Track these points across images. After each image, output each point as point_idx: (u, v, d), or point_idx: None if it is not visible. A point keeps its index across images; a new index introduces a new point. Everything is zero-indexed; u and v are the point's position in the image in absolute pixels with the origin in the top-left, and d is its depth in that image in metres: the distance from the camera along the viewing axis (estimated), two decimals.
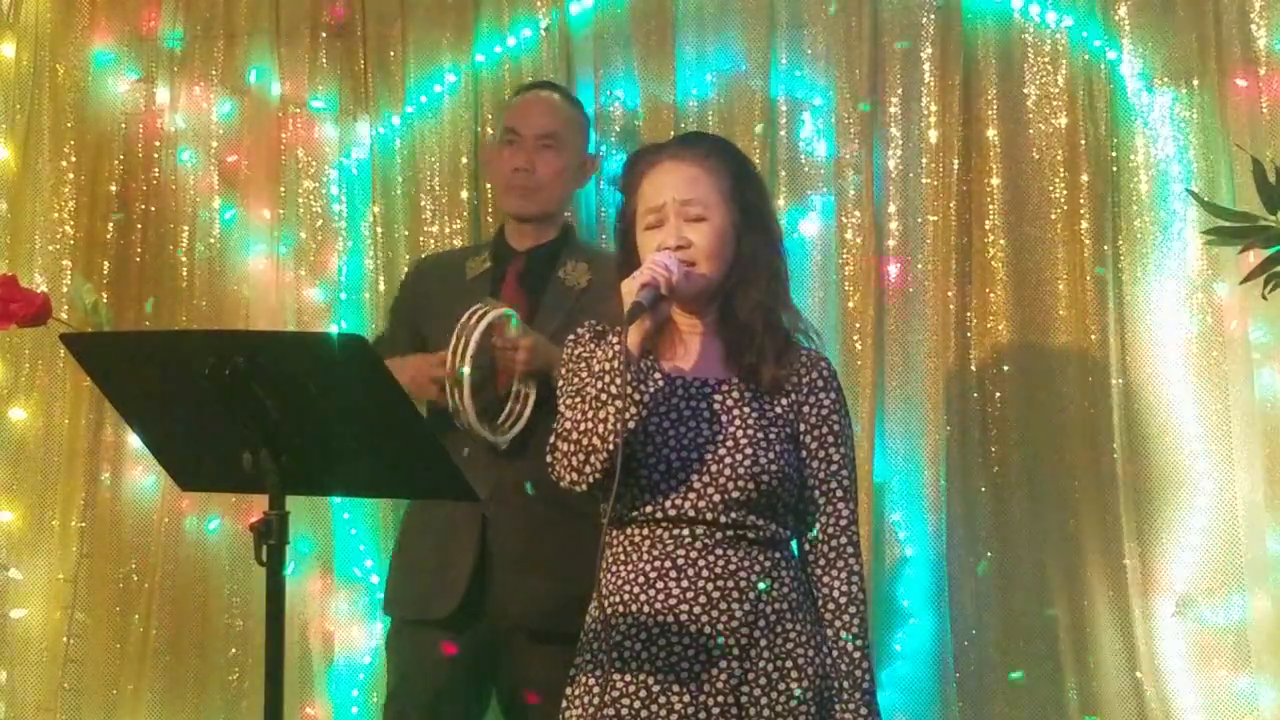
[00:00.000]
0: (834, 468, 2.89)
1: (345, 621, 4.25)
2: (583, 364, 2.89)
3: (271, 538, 2.50)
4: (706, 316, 2.90)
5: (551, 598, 3.42)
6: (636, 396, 2.73)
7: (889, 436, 4.05)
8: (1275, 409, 3.89)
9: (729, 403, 2.85)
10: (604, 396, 2.72)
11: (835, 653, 2.85)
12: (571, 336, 2.96)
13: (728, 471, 2.79)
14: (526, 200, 3.68)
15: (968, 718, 3.93)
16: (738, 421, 2.83)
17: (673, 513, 2.79)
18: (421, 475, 2.64)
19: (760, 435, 2.82)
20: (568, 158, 3.69)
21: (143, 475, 4.39)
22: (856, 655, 2.84)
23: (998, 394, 4.02)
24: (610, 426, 2.70)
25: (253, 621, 4.22)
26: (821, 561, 2.89)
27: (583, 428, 2.75)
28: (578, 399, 2.82)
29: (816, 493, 2.88)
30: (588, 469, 2.75)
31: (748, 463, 2.80)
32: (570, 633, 3.17)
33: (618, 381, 2.71)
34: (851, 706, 2.81)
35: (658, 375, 2.84)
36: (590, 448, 2.74)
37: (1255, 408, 3.87)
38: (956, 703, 3.93)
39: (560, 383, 2.93)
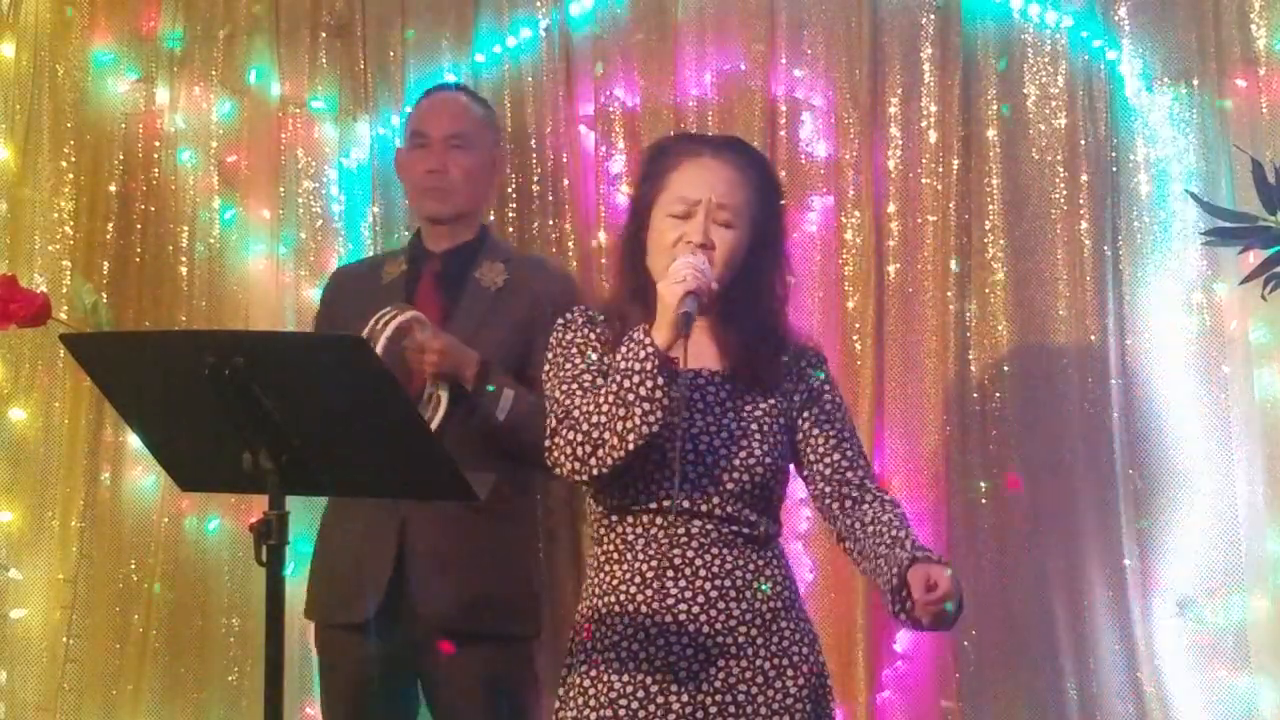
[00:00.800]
0: (834, 440, 2.89)
1: None
2: (574, 350, 2.86)
3: (271, 538, 2.50)
4: (704, 313, 2.89)
5: (471, 598, 3.43)
6: (667, 402, 2.70)
7: (889, 436, 4.05)
8: (1275, 409, 3.89)
9: (723, 395, 2.86)
10: (630, 396, 2.69)
11: (886, 537, 2.76)
12: (561, 320, 2.93)
13: (723, 464, 2.79)
14: (441, 202, 3.69)
15: (968, 718, 3.93)
16: (731, 414, 2.84)
17: (668, 504, 2.79)
18: (421, 475, 2.64)
19: (755, 428, 2.83)
20: (478, 156, 3.69)
21: (143, 475, 4.39)
22: (911, 533, 2.78)
23: (998, 394, 4.02)
24: (633, 427, 2.68)
25: (253, 621, 4.21)
26: (848, 504, 2.85)
27: (594, 420, 2.72)
28: (575, 386, 2.80)
29: (822, 464, 2.88)
30: (593, 461, 2.73)
31: (742, 454, 2.80)
32: (491, 633, 3.18)
33: (647, 384, 2.68)
34: (910, 546, 2.74)
35: (689, 372, 2.81)
36: (600, 441, 2.71)
37: (1255, 408, 3.87)
38: (956, 702, 3.92)
39: (548, 367, 2.89)
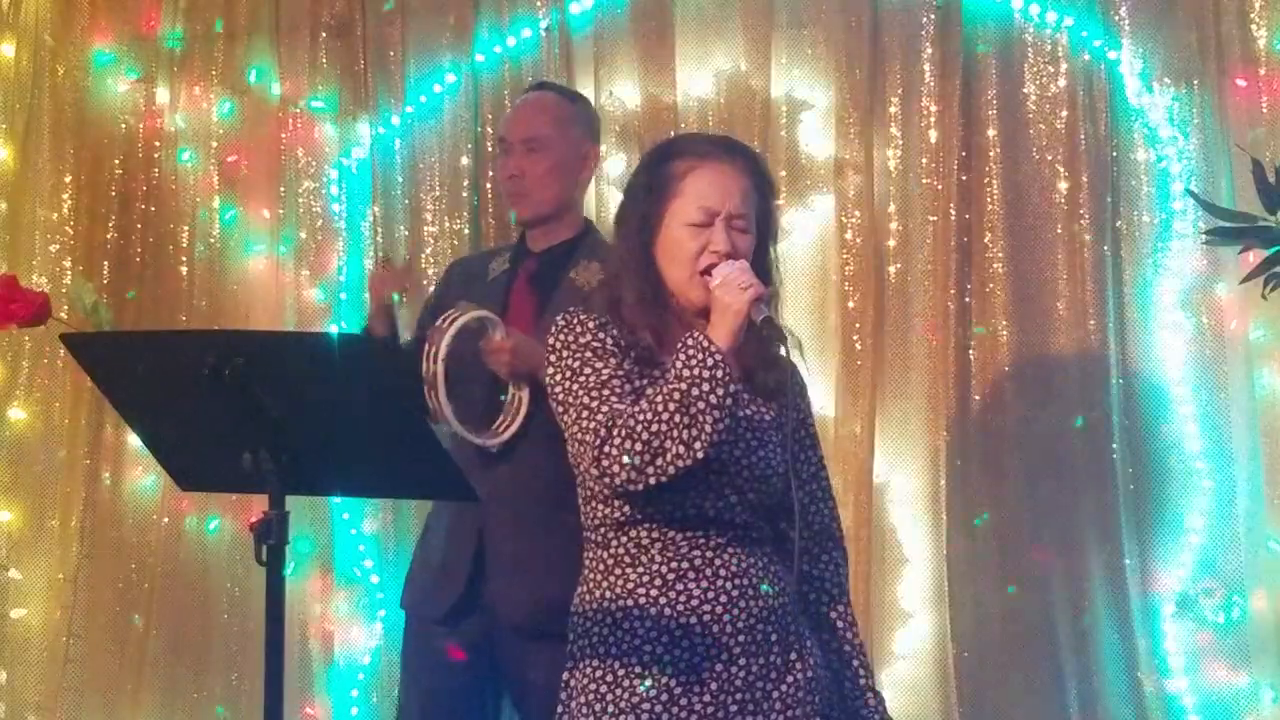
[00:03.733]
0: (813, 469, 2.94)
1: (345, 621, 4.25)
2: (590, 353, 2.78)
3: (271, 538, 2.50)
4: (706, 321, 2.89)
5: (545, 597, 3.43)
6: (732, 408, 2.68)
7: (889, 436, 4.05)
8: (1275, 409, 3.89)
9: (734, 404, 2.85)
10: (701, 404, 2.64)
11: (836, 642, 2.91)
12: (564, 320, 2.84)
13: (745, 473, 2.79)
14: (520, 206, 3.69)
15: (968, 718, 3.93)
16: (745, 424, 2.83)
17: (692, 513, 2.77)
18: (421, 475, 2.64)
19: (767, 437, 2.83)
20: (555, 156, 3.67)
21: (143, 475, 4.39)
22: (858, 643, 2.94)
23: (997, 394, 4.02)
24: (703, 435, 2.64)
25: (253, 621, 4.22)
26: (808, 557, 2.92)
27: (655, 429, 2.65)
28: (608, 392, 2.72)
29: (800, 493, 2.88)
30: (651, 470, 2.66)
31: (762, 465, 2.80)
32: (563, 631, 3.16)
33: (719, 392, 2.64)
34: (863, 683, 2.91)
35: (740, 388, 2.80)
36: (662, 449, 2.65)
37: (1255, 408, 3.87)
38: (956, 703, 3.93)
39: (562, 370, 2.80)
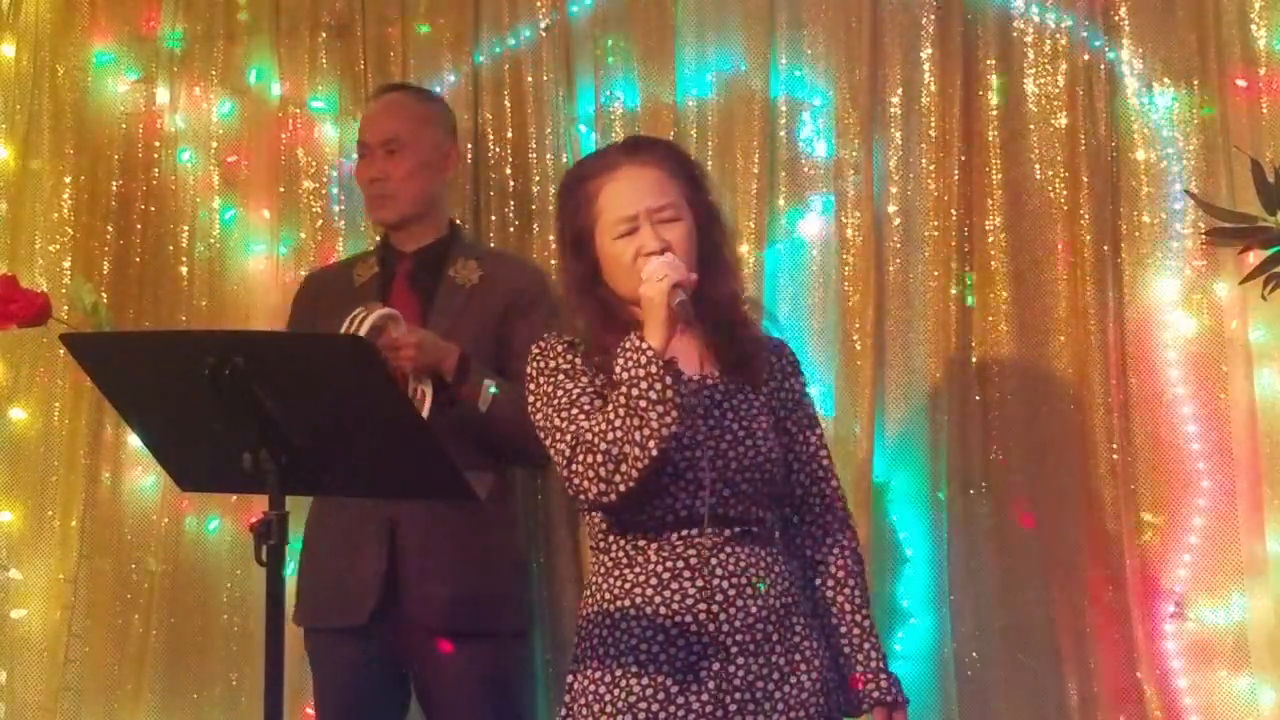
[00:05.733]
0: (812, 449, 2.94)
1: None
2: (561, 375, 2.83)
3: (271, 538, 2.50)
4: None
5: (464, 597, 3.44)
6: (679, 400, 2.69)
7: (889, 436, 4.05)
8: (1275, 409, 3.89)
9: (718, 397, 2.86)
10: (642, 403, 2.67)
11: (844, 626, 2.90)
12: (537, 348, 2.88)
13: (734, 465, 2.79)
14: (384, 209, 3.70)
15: (968, 718, 3.93)
16: (731, 415, 2.84)
17: (684, 513, 2.78)
18: (421, 475, 2.64)
19: (755, 425, 2.84)
20: (417, 156, 3.68)
21: (143, 475, 4.39)
22: (866, 625, 2.92)
23: (998, 394, 4.02)
24: (652, 432, 2.66)
25: (253, 621, 4.21)
26: (811, 541, 2.93)
27: (611, 437, 2.69)
28: (576, 411, 2.76)
29: (803, 475, 2.91)
30: (617, 478, 2.69)
31: (751, 454, 2.81)
32: (484, 630, 3.18)
33: (657, 387, 2.67)
34: (875, 665, 2.89)
35: (686, 377, 2.81)
36: (622, 456, 2.68)
37: (1255, 408, 3.87)
38: (956, 703, 3.93)
39: (534, 398, 2.85)
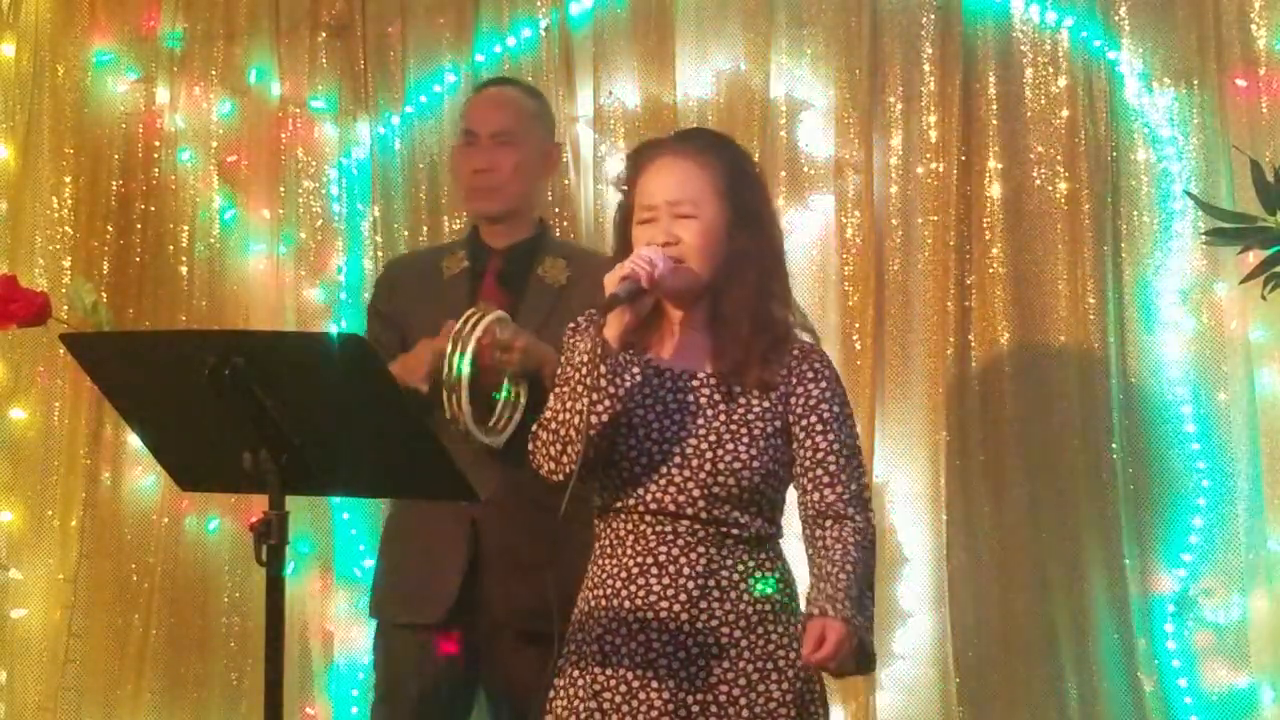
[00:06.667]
0: (820, 454, 2.84)
1: (345, 621, 4.25)
2: (575, 354, 2.88)
3: (271, 538, 2.50)
4: (696, 311, 2.90)
5: (540, 598, 3.42)
6: (610, 389, 2.74)
7: (889, 436, 4.05)
8: (1275, 409, 3.89)
9: (715, 397, 2.85)
10: (579, 388, 2.75)
11: (826, 564, 2.75)
12: (572, 325, 2.95)
13: (709, 466, 2.79)
14: (488, 200, 3.66)
15: (968, 718, 3.93)
16: (722, 416, 2.83)
17: (654, 505, 2.80)
18: (421, 475, 2.64)
19: (743, 430, 2.82)
20: (525, 152, 3.66)
21: (143, 475, 4.39)
22: (844, 559, 2.75)
23: (997, 394, 4.02)
24: (583, 417, 2.72)
25: (253, 621, 4.22)
26: (808, 530, 2.85)
27: (560, 418, 2.79)
28: (564, 389, 2.83)
29: (804, 479, 2.88)
30: (564, 459, 2.78)
31: (728, 458, 2.80)
32: (561, 633, 3.16)
33: (593, 374, 2.73)
34: (823, 589, 2.73)
35: (636, 369, 2.82)
36: (566, 438, 2.77)
37: (1255, 408, 3.87)
38: (956, 703, 3.93)
39: (558, 372, 2.92)
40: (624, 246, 2.92)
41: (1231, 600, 3.88)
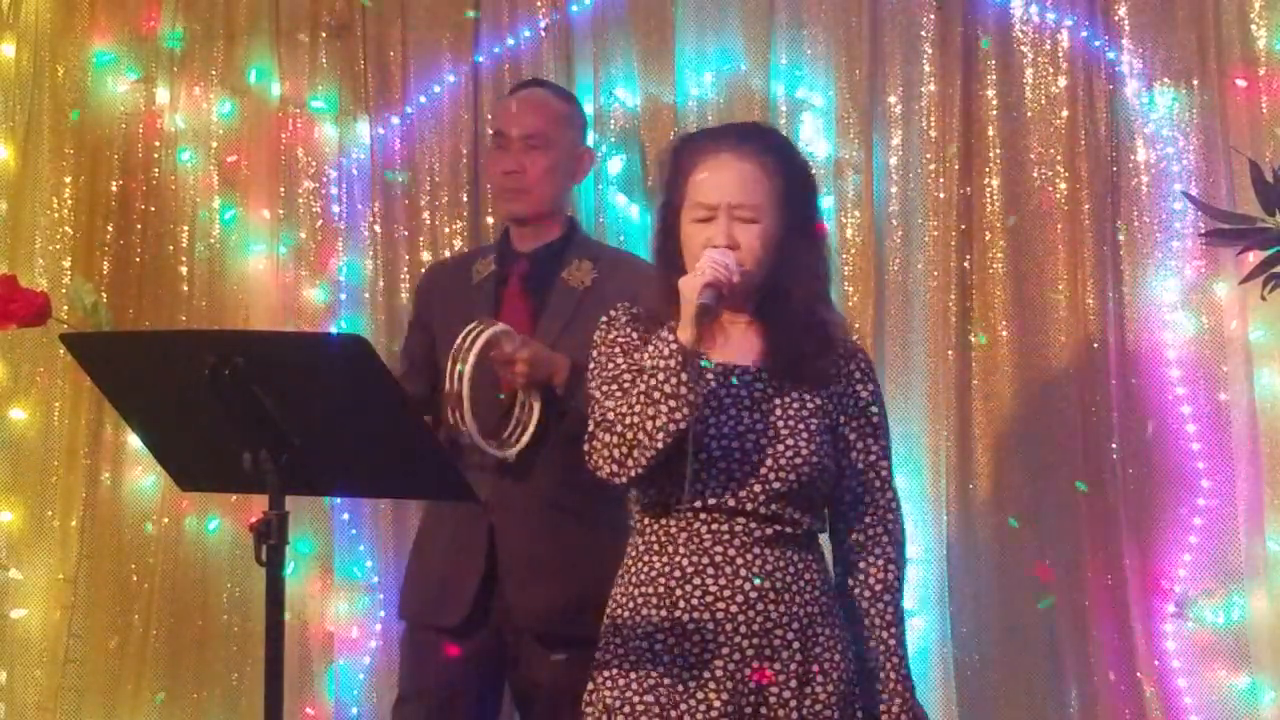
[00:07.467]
0: (872, 458, 2.88)
1: (345, 622, 4.25)
2: (617, 349, 2.85)
3: (271, 538, 2.50)
4: (746, 308, 2.88)
5: (560, 602, 3.42)
6: (692, 398, 2.69)
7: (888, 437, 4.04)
8: (1275, 409, 3.89)
9: (769, 392, 2.82)
10: (657, 394, 2.69)
11: (871, 641, 2.86)
12: (605, 319, 2.91)
13: (769, 462, 2.77)
14: (518, 202, 3.65)
15: (968, 718, 3.93)
16: (778, 411, 2.81)
17: (713, 503, 2.77)
18: (421, 476, 2.64)
19: (800, 426, 2.80)
20: (556, 155, 3.65)
21: (143, 475, 4.39)
22: (892, 643, 2.86)
23: (997, 394, 4.02)
24: (661, 425, 2.68)
25: (253, 621, 4.22)
26: (856, 549, 2.88)
27: (628, 421, 2.72)
28: (614, 387, 2.79)
29: (855, 483, 2.87)
30: (630, 462, 2.73)
31: (789, 453, 2.78)
32: (579, 636, 3.16)
33: (672, 381, 2.68)
34: (890, 688, 2.85)
35: (710, 376, 2.80)
36: (635, 442, 2.71)
37: (1255, 408, 3.87)
38: (956, 703, 3.93)
39: (592, 366, 2.88)
40: (669, 238, 2.88)
41: (1231, 600, 3.87)
